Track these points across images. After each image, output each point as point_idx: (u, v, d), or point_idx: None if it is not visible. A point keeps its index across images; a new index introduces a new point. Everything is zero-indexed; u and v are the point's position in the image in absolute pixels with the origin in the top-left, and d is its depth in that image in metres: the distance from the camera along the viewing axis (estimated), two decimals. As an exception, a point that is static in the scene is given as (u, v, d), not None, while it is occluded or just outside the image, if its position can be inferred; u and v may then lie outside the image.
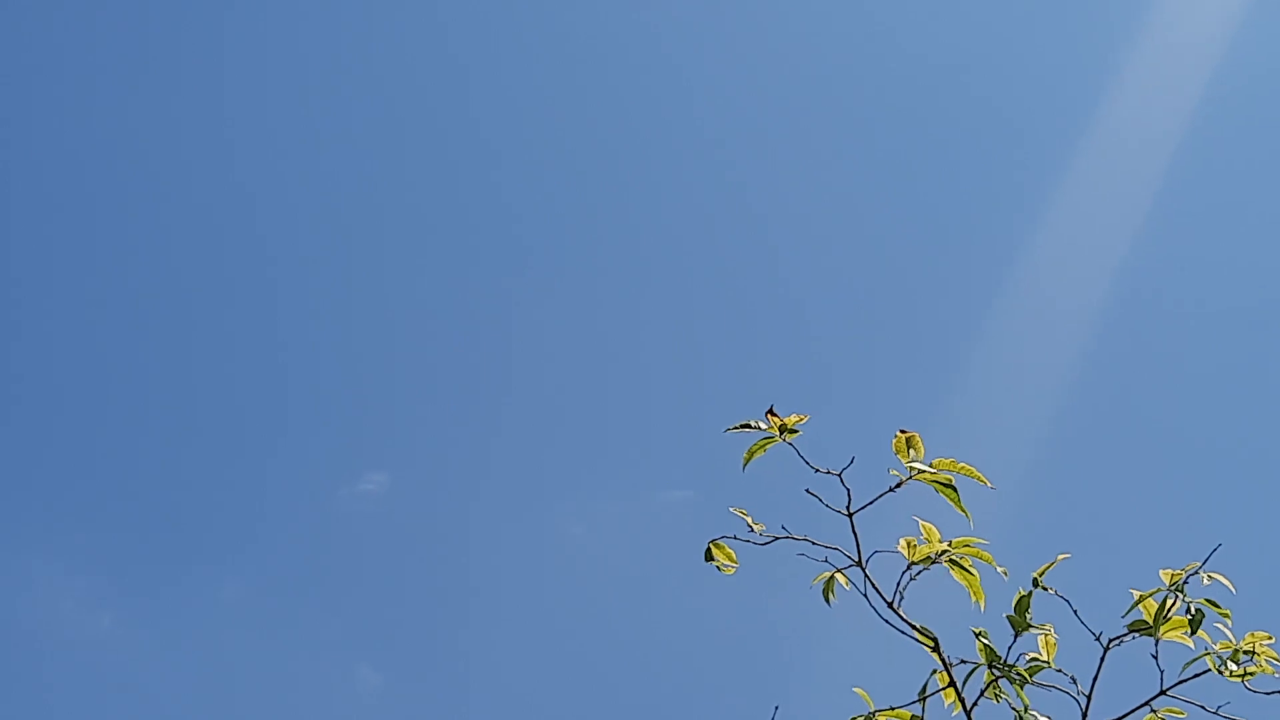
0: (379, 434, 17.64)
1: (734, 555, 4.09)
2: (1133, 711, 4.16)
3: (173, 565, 16.87)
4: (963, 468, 4.02)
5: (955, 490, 3.98)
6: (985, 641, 4.12)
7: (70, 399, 17.67)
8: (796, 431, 4.03)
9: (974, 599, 4.13)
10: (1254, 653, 4.11)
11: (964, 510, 4.00)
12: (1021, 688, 4.10)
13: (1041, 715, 4.12)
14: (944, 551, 4.09)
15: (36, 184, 17.74)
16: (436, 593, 16.49)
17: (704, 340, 17.55)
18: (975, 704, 4.18)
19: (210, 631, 16.39)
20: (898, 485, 4.02)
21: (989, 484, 4.01)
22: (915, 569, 4.09)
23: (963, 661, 4.18)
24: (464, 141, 18.06)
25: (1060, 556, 4.16)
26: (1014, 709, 4.13)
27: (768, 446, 4.07)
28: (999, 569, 4.11)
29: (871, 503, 4.03)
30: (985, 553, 4.11)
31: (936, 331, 16.75)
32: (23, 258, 17.77)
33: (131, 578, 16.78)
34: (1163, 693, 4.14)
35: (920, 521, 4.13)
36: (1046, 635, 4.18)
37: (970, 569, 4.11)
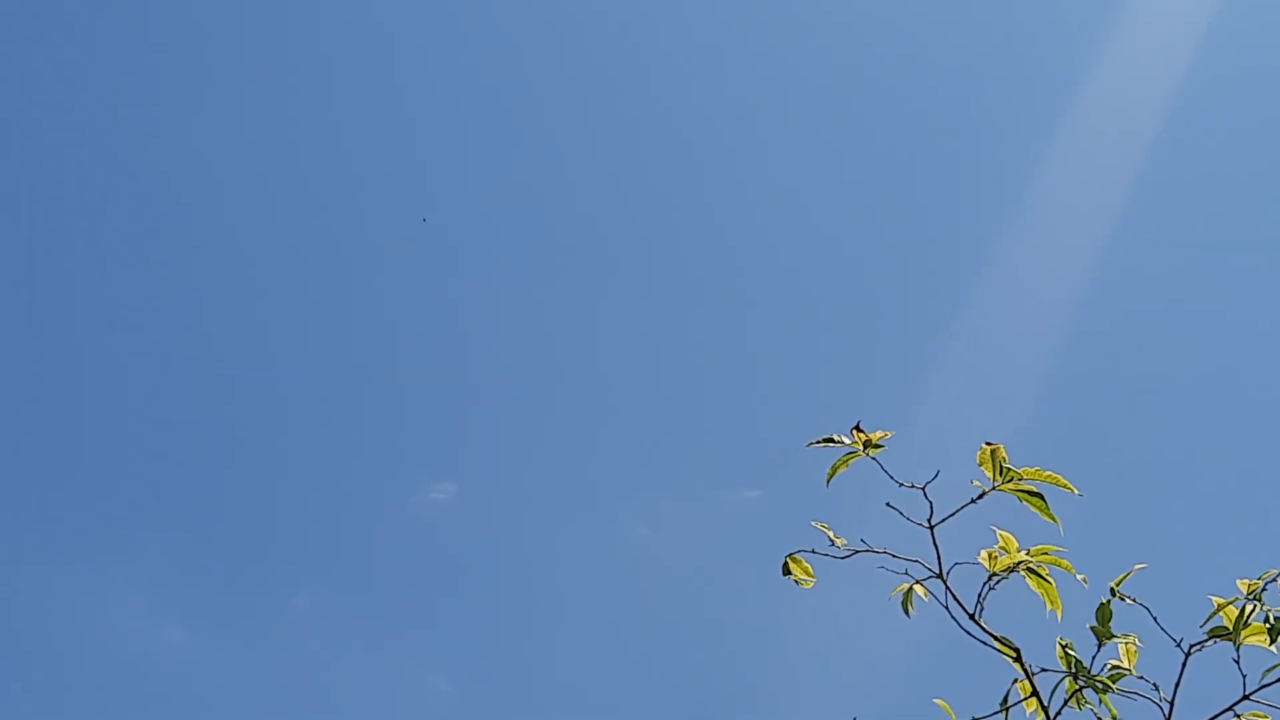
0: (447, 444, 17.71)
1: (811, 569, 4.09)
2: (1217, 717, 4.13)
3: (245, 577, 16.98)
4: (1048, 476, 4.00)
5: (1043, 499, 3.96)
6: (1072, 653, 4.10)
7: (144, 414, 17.81)
8: (881, 447, 4.03)
9: (1049, 608, 4.11)
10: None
11: (1053, 518, 3.98)
12: (1105, 695, 4.08)
13: None
14: (1021, 561, 4.07)
15: (103, 197, 17.87)
16: (506, 600, 16.54)
17: (771, 338, 17.52)
18: (1059, 713, 4.16)
19: (281, 643, 16.49)
20: (981, 496, 4.01)
21: (1075, 491, 3.99)
22: (995, 579, 4.07)
23: (1044, 670, 4.16)
24: (529, 146, 18.09)
25: (1137, 566, 4.14)
26: (1100, 718, 4.11)
27: (850, 461, 4.08)
28: (1079, 577, 4.09)
29: (954, 514, 4.02)
30: (1064, 560, 4.09)
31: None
32: (99, 277, 17.90)
33: (204, 590, 16.89)
34: (1245, 697, 4.11)
35: (998, 531, 4.11)
36: (1128, 643, 4.15)
37: (1048, 577, 4.09)
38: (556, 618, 16.33)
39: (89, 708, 15.76)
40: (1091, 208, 16.31)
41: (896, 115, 17.37)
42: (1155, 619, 4.13)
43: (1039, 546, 4.09)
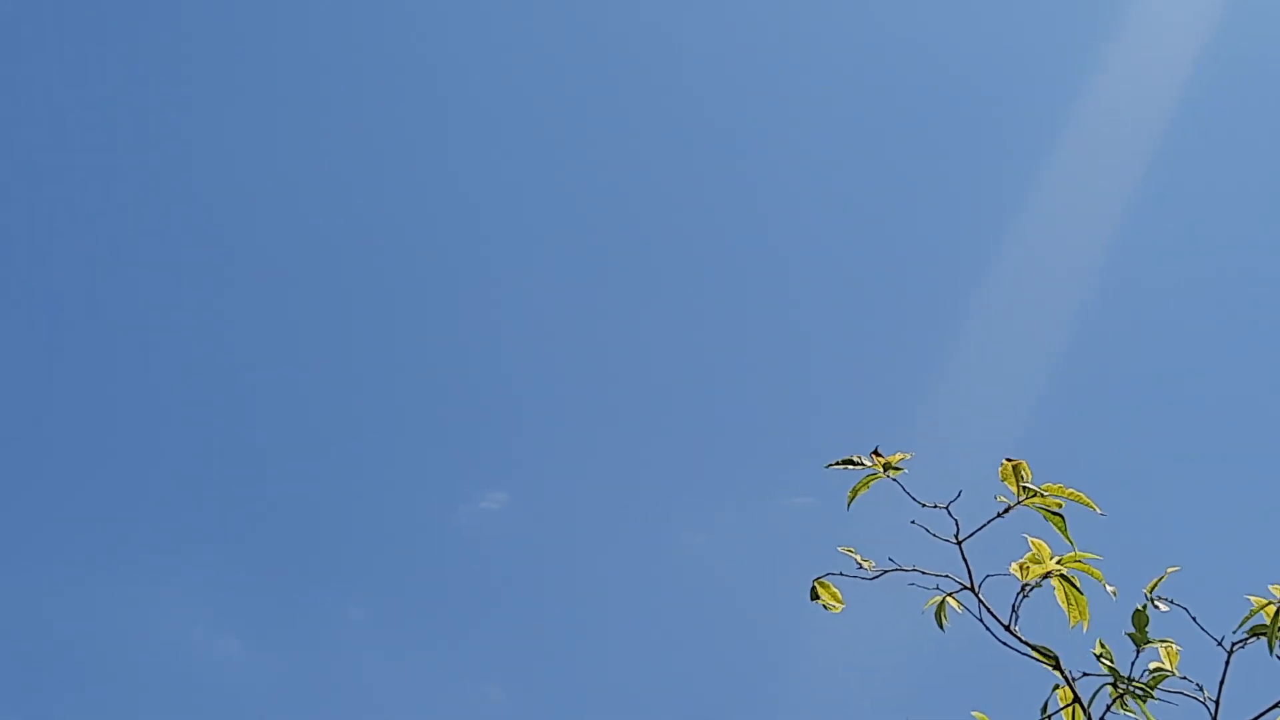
0: (498, 453, 17.74)
1: (839, 595, 4.07)
2: (1264, 714, 4.10)
3: (298, 588, 17.06)
4: (1071, 493, 3.99)
5: (1063, 518, 3.96)
6: (1108, 663, 4.08)
7: (198, 425, 17.91)
8: (900, 469, 4.02)
9: (1074, 621, 4.10)
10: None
11: (1069, 539, 3.98)
12: (1144, 703, 4.05)
13: None
14: (1053, 570, 4.06)
15: (162, 213, 17.97)
16: (559, 609, 16.55)
17: (824, 343, 17.51)
18: (1101, 718, 4.14)
19: (335, 653, 16.56)
20: (1005, 511, 4.00)
21: (1098, 510, 3.98)
22: (1028, 588, 4.06)
23: (1085, 675, 4.14)
24: (578, 154, 18.11)
25: (1170, 569, 4.12)
26: (1142, 724, 4.08)
27: (871, 483, 4.07)
28: (1109, 589, 4.07)
29: (980, 529, 4.01)
30: (1095, 569, 4.07)
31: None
32: (156, 290, 18.01)
33: (258, 601, 16.97)
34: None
35: (1030, 539, 4.10)
36: (1168, 647, 4.13)
37: (1079, 587, 4.08)
38: (609, 626, 16.34)
39: (146, 717, 15.87)
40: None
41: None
42: (1195, 619, 4.11)
43: (1070, 554, 4.07)
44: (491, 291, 17.93)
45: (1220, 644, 4.10)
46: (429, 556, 17.31)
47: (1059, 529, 3.95)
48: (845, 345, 17.45)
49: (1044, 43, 17.37)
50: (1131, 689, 4.06)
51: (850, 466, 4.02)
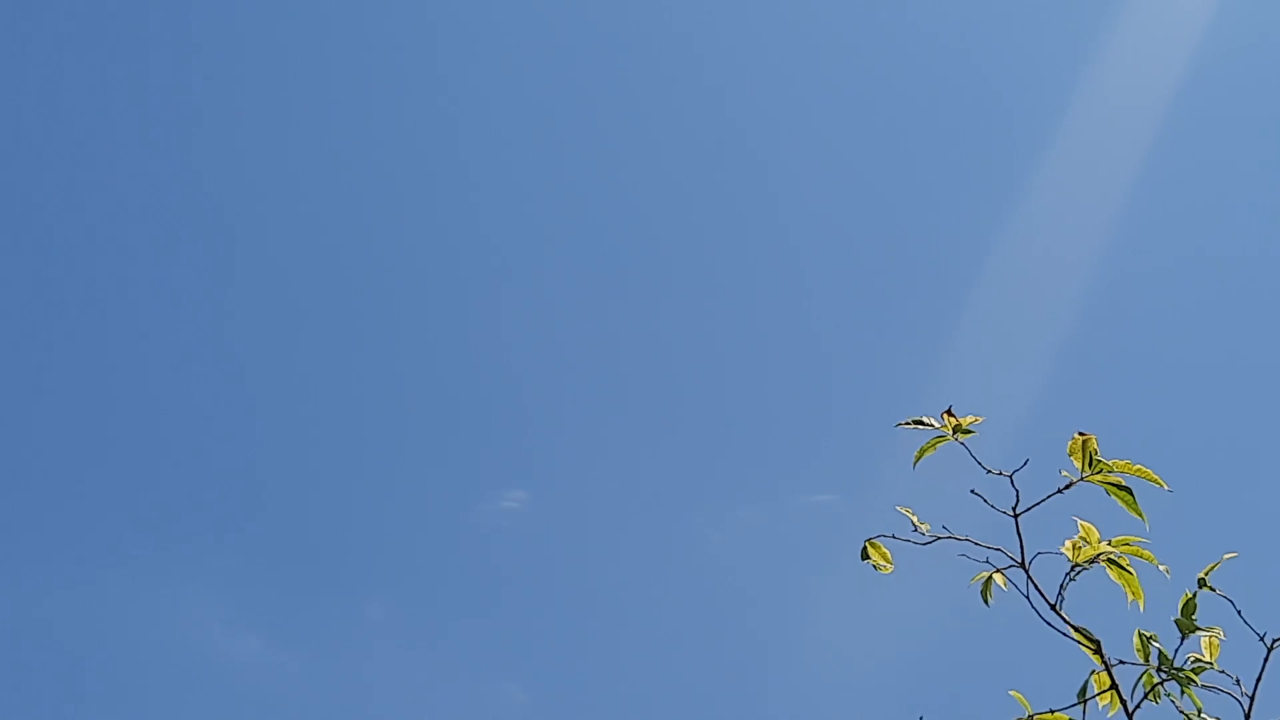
0: (517, 452, 17.74)
1: (889, 555, 4.08)
2: (1301, 713, 4.11)
3: (319, 586, 17.07)
4: (1138, 469, 3.97)
5: (1131, 493, 3.95)
6: (1157, 645, 4.08)
7: (216, 423, 17.94)
8: (972, 432, 4.02)
9: (1130, 599, 4.09)
10: None
11: (1140, 513, 3.97)
12: (1189, 688, 4.06)
13: (1210, 717, 4.08)
14: (1103, 552, 4.05)
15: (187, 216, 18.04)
16: (579, 608, 16.55)
17: (839, 339, 17.49)
18: (1138, 706, 4.14)
19: (356, 652, 16.56)
20: (1068, 486, 3.99)
21: (1165, 486, 3.97)
22: (1077, 570, 4.05)
23: (1122, 663, 4.15)
24: (593, 152, 18.14)
25: (1226, 555, 4.12)
26: (1183, 712, 4.08)
27: (939, 445, 4.08)
28: (1161, 568, 4.07)
29: (1039, 503, 4.00)
30: (1146, 552, 4.07)
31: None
32: (177, 288, 18.07)
33: (279, 600, 16.99)
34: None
35: (1079, 522, 4.09)
36: (1212, 637, 4.13)
37: (1129, 568, 4.08)
38: (629, 624, 16.33)
39: (165, 716, 15.88)
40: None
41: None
42: (1239, 612, 4.11)
43: (1120, 537, 4.08)
44: (509, 290, 17.97)
45: (1262, 639, 4.10)
46: (448, 555, 17.33)
47: (1128, 505, 3.93)
48: (864, 340, 17.45)
49: (1049, 18, 17.38)
50: (1174, 675, 4.07)
51: (920, 426, 4.02)
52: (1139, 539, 4.07)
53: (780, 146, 17.81)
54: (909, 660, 14.08)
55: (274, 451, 17.90)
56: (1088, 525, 4.09)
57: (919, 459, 4.06)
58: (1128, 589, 4.08)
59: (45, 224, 18.06)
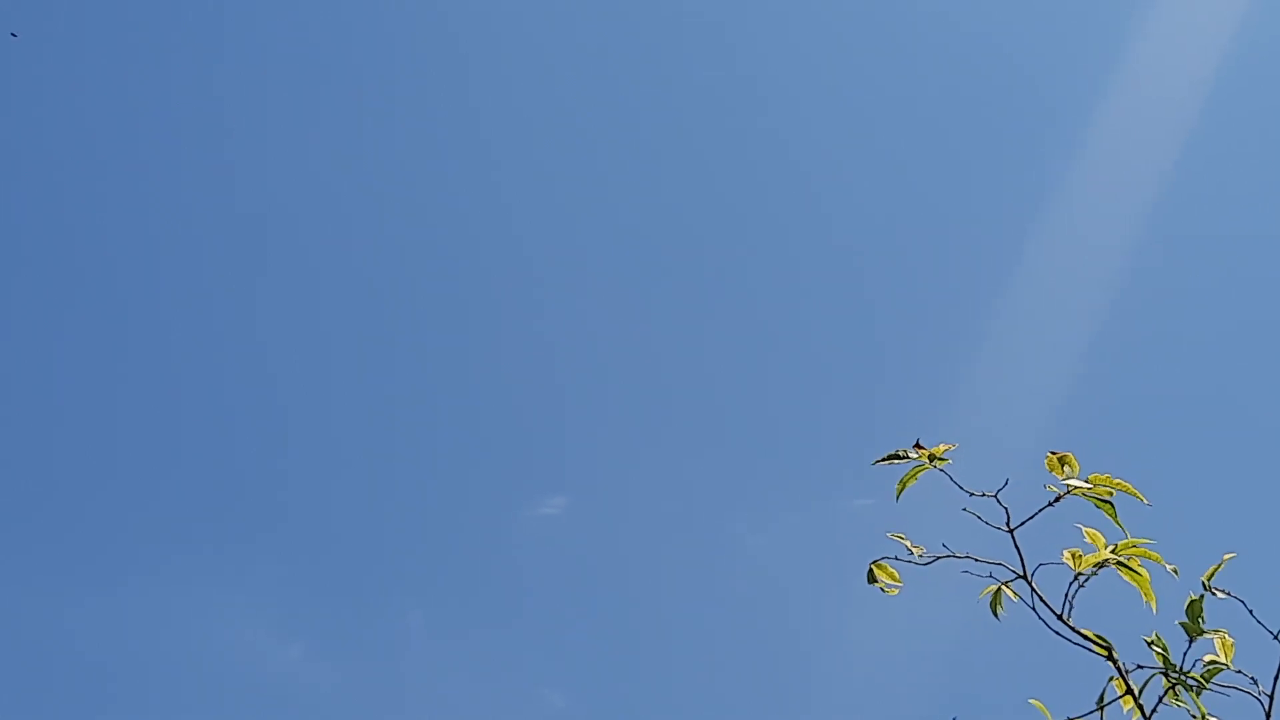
0: (556, 458, 17.78)
1: (897, 575, 4.11)
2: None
3: (361, 594, 17.14)
4: (1118, 483, 4.03)
5: (1113, 505, 3.99)
6: (1159, 650, 4.09)
7: (259, 435, 18.02)
8: (946, 460, 4.08)
9: (1145, 599, 4.10)
10: None
11: (1120, 525, 4.01)
12: (1198, 695, 4.06)
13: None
14: (1108, 558, 4.07)
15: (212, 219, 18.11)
16: (619, 614, 16.57)
17: (879, 343, 17.47)
18: (1155, 709, 4.14)
19: (398, 659, 16.63)
20: (1056, 500, 4.03)
21: (1145, 500, 4.01)
22: (1083, 577, 4.07)
23: (1139, 667, 4.15)
24: (636, 160, 18.16)
25: (1226, 556, 4.12)
26: (1193, 715, 4.08)
27: (918, 475, 4.12)
28: (1169, 568, 4.08)
29: (1032, 518, 4.04)
30: (1154, 553, 4.08)
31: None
32: (220, 303, 18.15)
33: (321, 608, 17.07)
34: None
35: (1084, 529, 4.11)
36: (1223, 637, 4.13)
37: (1139, 569, 4.09)
38: (669, 630, 16.35)
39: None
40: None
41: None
42: (1251, 612, 4.10)
43: (1126, 541, 4.09)
44: (548, 298, 18.01)
45: (1276, 637, 4.09)
46: (489, 562, 17.38)
47: (1110, 516, 3.99)
48: (903, 344, 17.43)
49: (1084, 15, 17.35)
50: (1185, 680, 4.07)
51: (896, 460, 4.09)
52: (1146, 540, 4.08)
53: (821, 153, 17.83)
54: (947, 665, 14.07)
55: (315, 461, 17.99)
56: (1093, 531, 4.10)
57: (901, 490, 4.13)
58: (1141, 590, 4.09)
59: (108, 243, 18.18)
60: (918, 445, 4.02)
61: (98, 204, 18.11)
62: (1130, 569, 4.08)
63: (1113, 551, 4.06)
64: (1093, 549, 4.09)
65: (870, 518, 15.11)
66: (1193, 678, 4.07)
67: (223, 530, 17.49)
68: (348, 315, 18.13)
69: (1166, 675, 4.09)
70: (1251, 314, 16.37)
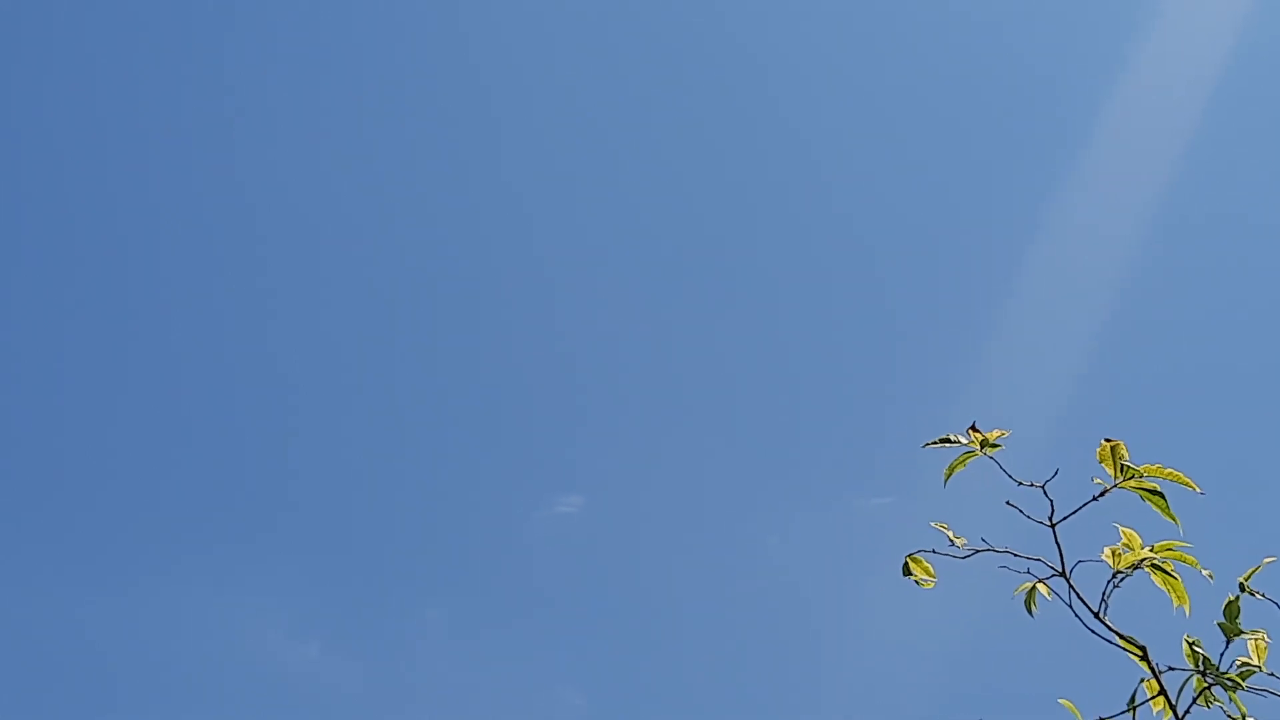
0: (573, 456, 17.78)
1: (931, 569, 4.09)
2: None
3: (377, 592, 17.14)
4: (1169, 473, 3.97)
5: (1164, 497, 3.94)
6: (1200, 650, 4.06)
7: (275, 432, 18.03)
8: (998, 446, 4.03)
9: (1176, 604, 4.08)
10: None
11: (1173, 517, 3.96)
12: (1235, 694, 4.04)
13: None
14: (1145, 558, 4.04)
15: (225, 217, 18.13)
16: (636, 613, 16.56)
17: (895, 342, 17.45)
18: (1187, 711, 4.11)
19: (414, 657, 16.63)
20: (1102, 494, 3.99)
21: (1197, 489, 3.96)
22: (1119, 577, 4.04)
23: (1171, 669, 4.12)
24: (654, 159, 18.15)
25: (1266, 559, 4.09)
26: (1230, 716, 4.06)
27: (968, 461, 4.08)
28: (1205, 573, 4.05)
29: (1075, 512, 4.00)
30: (1189, 556, 4.05)
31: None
32: (234, 301, 18.17)
33: (338, 606, 17.07)
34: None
35: (1121, 528, 4.08)
36: (1258, 639, 4.11)
37: (1173, 573, 4.06)
38: (686, 629, 16.34)
39: (226, 721, 15.98)
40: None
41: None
42: (1284, 613, 4.08)
43: (1163, 543, 4.06)
44: (565, 296, 18.01)
45: (1310, 640, 4.07)
46: (505, 560, 17.37)
47: (1160, 509, 3.93)
48: (919, 343, 17.40)
49: (1087, 26, 17.35)
50: (1221, 680, 4.04)
51: (948, 444, 4.03)
52: (1182, 543, 4.05)
53: (835, 151, 17.81)
54: (967, 664, 14.04)
55: (331, 459, 17.99)
56: (1129, 531, 4.07)
57: (949, 476, 4.08)
58: (1172, 594, 4.06)
59: (129, 247, 18.20)
60: (973, 428, 3.97)
61: (108, 204, 18.14)
62: (1165, 572, 4.05)
63: (1150, 551, 4.03)
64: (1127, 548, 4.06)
65: (889, 516, 15.10)
66: (1229, 678, 4.05)
67: (239, 528, 17.51)
68: (364, 313, 18.15)
69: (1204, 675, 4.07)
70: (1262, 303, 16.32)
